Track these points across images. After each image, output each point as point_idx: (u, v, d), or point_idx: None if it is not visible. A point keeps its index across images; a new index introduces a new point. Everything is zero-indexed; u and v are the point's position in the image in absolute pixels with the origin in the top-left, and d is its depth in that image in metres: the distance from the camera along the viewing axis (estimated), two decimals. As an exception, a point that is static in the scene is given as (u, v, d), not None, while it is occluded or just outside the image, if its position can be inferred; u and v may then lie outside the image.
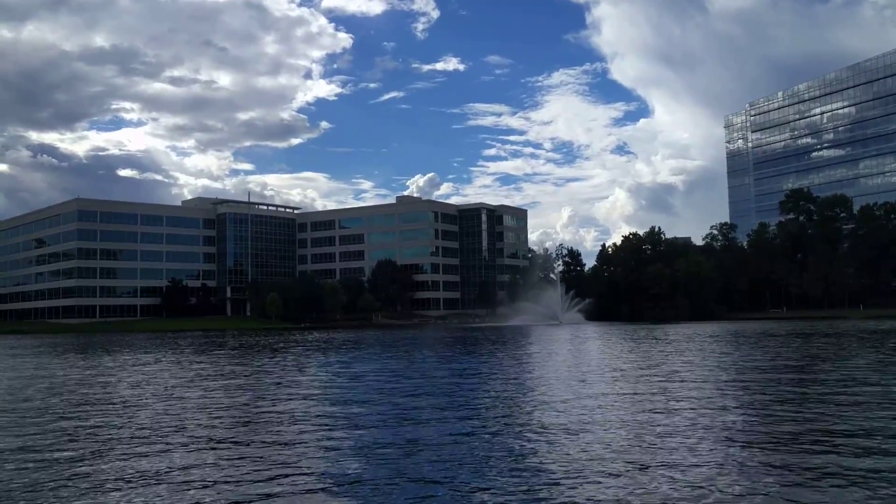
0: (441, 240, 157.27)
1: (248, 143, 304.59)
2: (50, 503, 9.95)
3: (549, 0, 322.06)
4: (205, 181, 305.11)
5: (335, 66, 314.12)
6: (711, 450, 12.34)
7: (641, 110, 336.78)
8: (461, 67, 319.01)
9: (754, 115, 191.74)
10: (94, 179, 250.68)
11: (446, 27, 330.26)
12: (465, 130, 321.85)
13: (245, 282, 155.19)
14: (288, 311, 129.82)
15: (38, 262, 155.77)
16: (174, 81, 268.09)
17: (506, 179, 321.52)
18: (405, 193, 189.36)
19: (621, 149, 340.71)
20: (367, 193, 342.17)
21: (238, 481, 10.88)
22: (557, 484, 10.35)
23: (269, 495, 10.11)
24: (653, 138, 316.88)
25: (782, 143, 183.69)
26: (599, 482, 10.38)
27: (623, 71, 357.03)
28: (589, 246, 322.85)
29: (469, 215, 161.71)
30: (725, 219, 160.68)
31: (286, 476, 11.14)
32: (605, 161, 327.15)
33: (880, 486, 9.88)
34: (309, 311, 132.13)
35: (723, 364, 29.70)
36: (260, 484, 10.71)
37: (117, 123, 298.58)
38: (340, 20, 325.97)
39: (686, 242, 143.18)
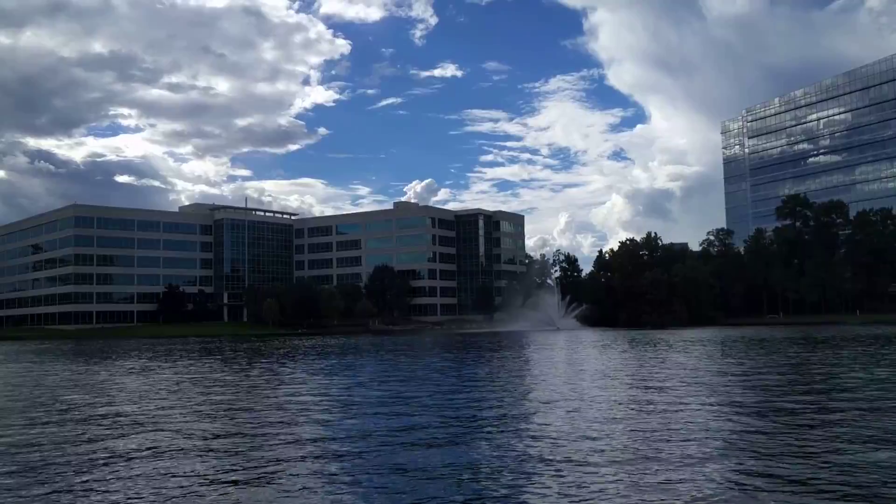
0: (438, 245, 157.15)
1: (245, 150, 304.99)
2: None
3: (546, 6, 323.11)
4: (202, 187, 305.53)
5: (333, 72, 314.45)
6: (712, 459, 12.34)
7: (638, 116, 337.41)
8: (459, 74, 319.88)
9: (751, 122, 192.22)
10: (91, 185, 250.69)
11: (444, 34, 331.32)
12: (462, 136, 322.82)
13: (242, 288, 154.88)
14: (285, 317, 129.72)
15: (35, 267, 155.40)
16: (172, 87, 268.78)
17: (503, 185, 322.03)
18: (402, 199, 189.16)
19: (618, 155, 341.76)
20: (365, 199, 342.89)
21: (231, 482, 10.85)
22: (551, 490, 10.35)
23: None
24: (650, 144, 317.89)
25: (779, 149, 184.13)
26: (598, 489, 10.38)
27: (620, 77, 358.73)
28: (586, 252, 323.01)
29: (466, 221, 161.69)
30: (722, 224, 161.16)
31: (279, 482, 11.11)
32: (602, 167, 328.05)
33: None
34: (306, 317, 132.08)
35: (720, 370, 29.72)
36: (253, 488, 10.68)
37: (115, 129, 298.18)
38: (338, 26, 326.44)
39: (683, 248, 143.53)
